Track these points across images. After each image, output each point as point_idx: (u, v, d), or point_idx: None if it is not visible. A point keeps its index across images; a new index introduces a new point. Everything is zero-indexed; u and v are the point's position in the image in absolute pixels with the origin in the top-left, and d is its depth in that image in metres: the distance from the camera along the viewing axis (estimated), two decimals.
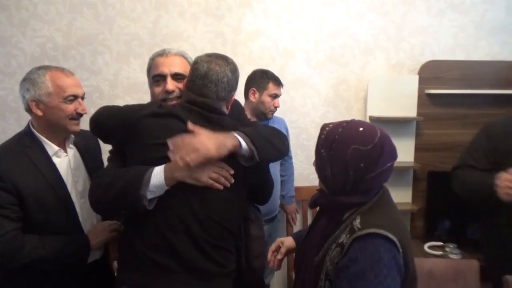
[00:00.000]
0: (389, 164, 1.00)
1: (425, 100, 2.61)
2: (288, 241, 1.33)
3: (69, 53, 2.47)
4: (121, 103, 1.70)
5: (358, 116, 2.69)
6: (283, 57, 2.62)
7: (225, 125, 1.23)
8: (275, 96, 2.20)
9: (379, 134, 1.00)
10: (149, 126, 1.20)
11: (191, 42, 2.53)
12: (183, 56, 1.39)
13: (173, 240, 1.18)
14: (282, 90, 2.67)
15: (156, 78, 1.34)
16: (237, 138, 1.16)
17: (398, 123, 2.59)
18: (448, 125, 2.62)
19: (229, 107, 1.33)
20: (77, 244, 1.38)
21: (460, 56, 2.71)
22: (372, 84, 2.59)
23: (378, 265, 0.88)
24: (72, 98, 1.39)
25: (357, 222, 0.97)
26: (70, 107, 1.38)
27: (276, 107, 2.21)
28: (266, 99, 2.17)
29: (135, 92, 2.53)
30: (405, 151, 2.61)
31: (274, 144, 1.26)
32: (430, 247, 2.40)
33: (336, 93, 2.68)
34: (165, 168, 1.15)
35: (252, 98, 2.17)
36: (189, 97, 1.24)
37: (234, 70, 1.27)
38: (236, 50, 2.57)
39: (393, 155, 1.02)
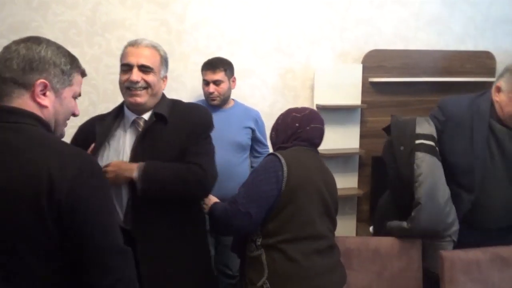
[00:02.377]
0: (313, 125, 1.49)
1: (369, 88, 2.71)
2: None
3: None
4: None
5: (305, 105, 2.70)
6: (230, 46, 2.60)
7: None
8: (206, 82, 2.17)
9: (309, 109, 1.55)
10: None
11: (134, 31, 2.44)
12: (155, 48, 1.41)
13: None
14: None
15: (124, 67, 1.38)
16: (135, 168, 1.29)
17: (344, 110, 2.67)
18: (390, 112, 2.72)
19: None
20: None
21: (400, 45, 2.83)
22: (318, 73, 2.63)
23: (261, 167, 1.41)
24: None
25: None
26: None
27: (210, 93, 2.15)
28: (202, 86, 2.20)
29: None
30: (350, 138, 2.69)
31: (167, 189, 1.32)
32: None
33: (284, 83, 2.70)
34: None
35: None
36: None
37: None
38: (181, 39, 2.51)
39: (319, 121, 1.52)
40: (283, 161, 1.36)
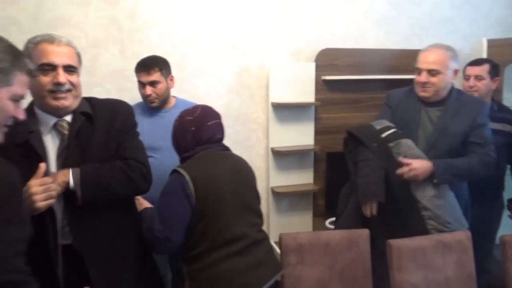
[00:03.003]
0: (209, 123, 1.48)
1: (322, 86, 2.77)
2: None
3: None
4: None
5: (261, 103, 2.77)
6: (184, 45, 2.57)
7: None
8: (142, 84, 2.04)
9: (200, 107, 1.53)
10: None
11: (82, 29, 2.35)
12: (72, 45, 1.31)
13: None
14: (186, 79, 2.62)
15: (44, 67, 1.23)
16: (69, 176, 1.21)
17: (298, 108, 2.72)
18: (342, 109, 2.82)
19: None
20: None
21: (351, 44, 2.92)
22: (272, 71, 2.66)
23: (169, 188, 1.38)
24: None
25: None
26: None
27: (148, 96, 2.03)
28: (139, 88, 2.09)
29: None
30: (305, 135, 2.75)
31: (110, 190, 1.28)
32: (330, 223, 2.57)
33: (239, 81, 2.71)
34: None
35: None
36: None
37: None
38: (133, 37, 2.45)
39: (214, 116, 1.53)
40: (187, 177, 1.35)
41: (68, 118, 1.30)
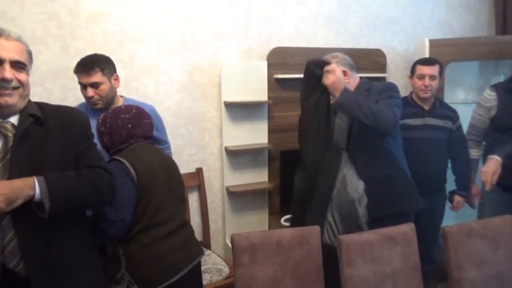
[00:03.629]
0: (144, 122, 1.62)
1: (274, 84, 2.78)
2: None
3: None
4: None
5: (213, 102, 2.73)
6: (131, 43, 2.48)
7: None
8: (83, 86, 1.92)
9: (134, 106, 1.65)
10: None
11: (19, 25, 2.20)
12: (22, 41, 1.23)
13: None
14: (134, 78, 2.53)
15: None
16: (34, 188, 1.12)
17: (251, 107, 2.71)
18: (295, 107, 2.82)
19: None
20: None
21: (302, 43, 2.95)
22: (224, 70, 2.63)
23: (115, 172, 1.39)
24: None
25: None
26: None
27: (90, 98, 1.92)
28: (80, 89, 1.96)
29: None
30: (259, 133, 2.75)
31: (79, 201, 1.22)
32: (285, 220, 2.59)
33: (191, 80, 2.66)
34: None
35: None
36: None
37: None
38: (75, 34, 2.33)
39: (147, 115, 1.66)
40: (126, 163, 1.46)
41: (13, 119, 1.20)
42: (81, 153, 1.28)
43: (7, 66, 1.16)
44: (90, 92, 1.90)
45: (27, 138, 1.19)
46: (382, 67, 3.08)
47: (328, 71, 1.86)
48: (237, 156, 2.72)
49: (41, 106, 1.29)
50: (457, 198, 2.50)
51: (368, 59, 3.03)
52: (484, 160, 2.34)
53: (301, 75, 2.75)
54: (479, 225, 1.81)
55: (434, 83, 2.37)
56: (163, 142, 2.18)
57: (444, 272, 1.80)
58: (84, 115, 1.37)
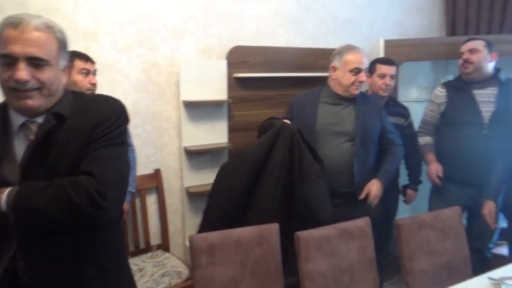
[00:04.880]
0: None
1: (234, 83, 2.77)
2: None
3: None
4: None
5: (172, 101, 2.68)
6: (84, 40, 2.38)
7: None
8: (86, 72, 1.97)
9: None
10: None
11: None
12: (49, 29, 1.05)
13: None
14: None
15: (3, 59, 1.02)
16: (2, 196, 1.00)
17: (211, 106, 2.68)
18: (255, 106, 2.85)
19: None
20: None
21: (262, 42, 2.96)
22: (183, 69, 2.59)
23: None
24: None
25: None
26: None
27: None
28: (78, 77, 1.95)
29: None
30: (219, 133, 2.72)
31: (47, 218, 1.00)
32: None
33: (148, 78, 2.59)
34: None
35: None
36: None
37: None
38: None
39: None
40: None
41: (40, 119, 1.08)
42: (85, 153, 1.07)
43: (21, 65, 1.00)
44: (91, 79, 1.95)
45: (48, 141, 1.06)
46: None
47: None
48: (197, 156, 2.68)
49: (76, 99, 1.14)
50: (409, 191, 2.61)
51: (327, 59, 3.05)
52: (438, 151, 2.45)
53: (262, 74, 2.79)
54: (430, 217, 1.89)
55: (393, 82, 2.46)
56: (128, 145, 2.12)
57: (399, 264, 1.86)
58: (110, 108, 1.14)
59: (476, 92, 2.28)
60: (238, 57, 2.77)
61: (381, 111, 2.22)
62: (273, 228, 1.78)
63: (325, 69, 3.04)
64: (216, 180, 1.99)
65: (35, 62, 1.02)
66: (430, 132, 2.56)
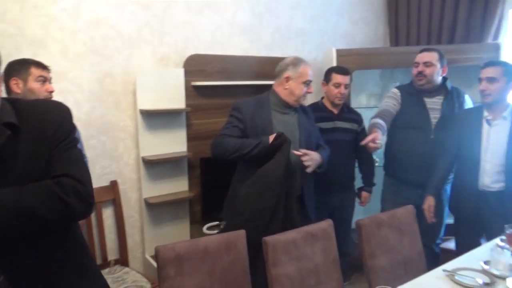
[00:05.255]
0: None
1: (192, 91, 2.75)
2: None
3: None
4: None
5: (128, 111, 2.61)
6: (31, 47, 2.26)
7: None
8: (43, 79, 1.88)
9: None
10: None
11: None
12: None
13: None
14: None
15: None
16: None
17: (169, 115, 2.65)
18: (213, 114, 2.85)
19: None
20: None
21: (218, 51, 2.98)
22: (139, 77, 2.54)
23: None
24: None
25: None
26: None
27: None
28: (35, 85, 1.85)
29: None
30: (178, 142, 2.69)
31: (36, 219, 0.99)
32: (208, 228, 2.57)
33: (102, 87, 2.51)
34: None
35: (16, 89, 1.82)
36: None
37: None
38: None
39: None
40: None
41: None
42: (51, 157, 1.06)
43: None
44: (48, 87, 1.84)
45: (8, 151, 1.01)
46: None
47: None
48: (155, 166, 2.62)
49: (15, 106, 1.07)
50: (364, 193, 2.73)
51: None
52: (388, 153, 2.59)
53: (219, 82, 2.80)
54: (387, 216, 1.99)
55: (347, 91, 2.57)
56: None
57: (356, 264, 1.93)
58: (62, 110, 1.13)
59: (426, 100, 2.45)
60: (195, 66, 2.76)
61: (314, 120, 2.37)
62: (240, 234, 1.79)
63: None
64: (241, 208, 1.99)
65: None
66: (385, 119, 2.48)
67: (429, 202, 2.34)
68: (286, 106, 2.20)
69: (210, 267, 1.68)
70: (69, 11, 2.36)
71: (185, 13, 2.80)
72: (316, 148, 2.26)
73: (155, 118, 2.60)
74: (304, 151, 2.08)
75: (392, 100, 2.57)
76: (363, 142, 2.18)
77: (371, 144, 2.15)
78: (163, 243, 1.65)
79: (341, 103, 2.58)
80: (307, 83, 2.17)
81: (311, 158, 2.09)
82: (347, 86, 2.56)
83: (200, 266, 1.66)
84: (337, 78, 2.54)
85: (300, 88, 2.16)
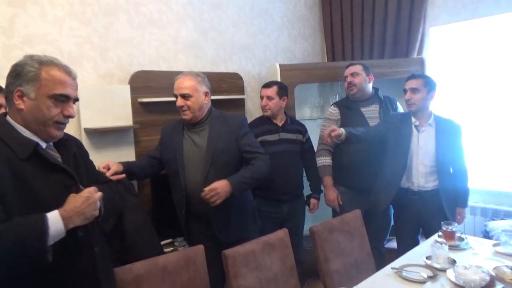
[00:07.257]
0: None
1: (139, 108, 2.71)
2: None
3: None
4: None
5: (72, 130, 2.49)
6: None
7: None
8: None
9: None
10: None
11: None
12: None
13: None
14: None
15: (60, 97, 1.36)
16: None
17: (116, 132, 2.57)
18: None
19: None
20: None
21: (164, 67, 2.96)
22: (82, 95, 2.44)
23: None
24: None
25: None
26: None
27: None
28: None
29: None
30: (126, 159, 2.58)
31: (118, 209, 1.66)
32: (164, 245, 2.51)
33: None
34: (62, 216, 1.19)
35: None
36: None
37: None
38: None
39: None
40: None
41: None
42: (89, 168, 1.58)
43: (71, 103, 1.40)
44: None
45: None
46: (241, 90, 3.32)
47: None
48: None
49: None
50: (312, 200, 2.84)
51: (228, 82, 3.23)
52: (337, 165, 2.74)
53: (166, 98, 2.79)
54: (337, 221, 2.11)
55: (272, 103, 2.67)
56: None
57: (310, 269, 2.02)
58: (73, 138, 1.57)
59: (363, 109, 2.65)
60: (141, 82, 2.72)
61: (239, 131, 2.14)
62: (198, 249, 1.79)
63: (227, 92, 3.20)
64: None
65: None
66: (329, 148, 2.78)
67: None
68: (195, 123, 2.14)
69: (170, 285, 1.67)
70: (3, 27, 2.23)
71: (127, 29, 2.76)
72: (243, 158, 2.13)
73: (101, 136, 2.51)
74: (208, 188, 1.88)
75: (329, 122, 2.79)
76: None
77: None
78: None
79: (268, 114, 2.69)
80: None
81: (217, 193, 1.88)
82: (270, 98, 2.68)
83: (159, 285, 1.64)
84: (261, 91, 2.73)
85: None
